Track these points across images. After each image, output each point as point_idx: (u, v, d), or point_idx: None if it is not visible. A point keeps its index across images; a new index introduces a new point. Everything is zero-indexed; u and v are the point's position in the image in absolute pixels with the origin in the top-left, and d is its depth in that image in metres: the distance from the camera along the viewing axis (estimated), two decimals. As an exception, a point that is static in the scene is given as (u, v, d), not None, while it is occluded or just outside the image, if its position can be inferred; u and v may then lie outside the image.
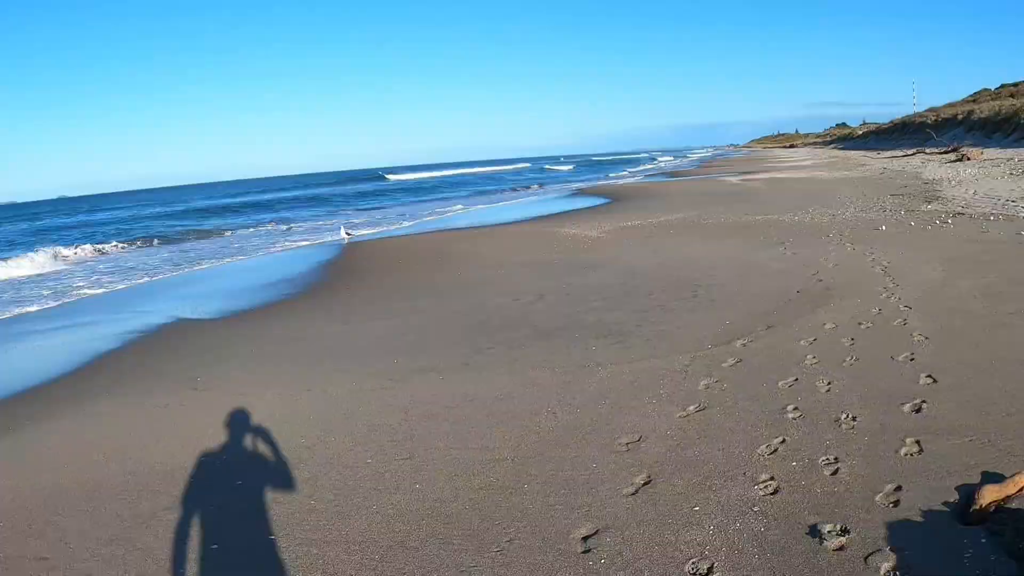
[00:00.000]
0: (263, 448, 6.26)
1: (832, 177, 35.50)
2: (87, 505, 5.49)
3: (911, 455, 5.10)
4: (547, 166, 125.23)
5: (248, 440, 6.47)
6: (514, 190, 56.02)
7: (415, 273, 15.24)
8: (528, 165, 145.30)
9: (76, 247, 28.47)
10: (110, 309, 14.74)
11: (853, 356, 7.32)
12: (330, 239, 25.38)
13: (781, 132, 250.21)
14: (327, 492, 5.30)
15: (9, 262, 24.59)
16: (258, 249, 24.96)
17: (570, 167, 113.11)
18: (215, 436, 6.62)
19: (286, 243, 25.97)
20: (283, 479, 5.59)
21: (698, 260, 13.68)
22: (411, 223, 30.67)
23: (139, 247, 30.04)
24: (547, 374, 7.58)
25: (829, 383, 6.60)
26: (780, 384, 6.68)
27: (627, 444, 5.65)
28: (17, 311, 15.49)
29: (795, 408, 6.07)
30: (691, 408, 6.25)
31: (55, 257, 25.74)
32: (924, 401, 5.99)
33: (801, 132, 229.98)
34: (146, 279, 19.22)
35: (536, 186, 60.50)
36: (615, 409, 6.39)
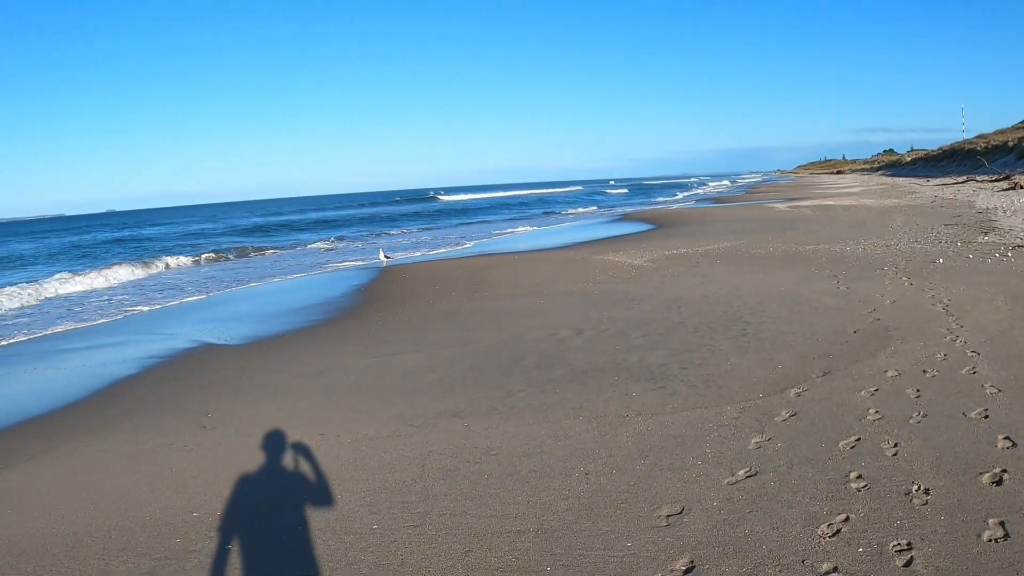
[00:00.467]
0: (261, 505, 5.56)
1: (882, 205, 34.34)
2: (63, 564, 4.88)
3: (995, 541, 4.29)
4: (604, 189, 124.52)
5: (246, 495, 5.77)
6: (564, 213, 55.39)
7: (451, 300, 14.56)
8: (581, 188, 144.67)
9: (125, 264, 28.04)
10: (141, 329, 14.29)
11: (920, 411, 6.48)
12: (369, 261, 24.88)
13: (828, 158, 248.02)
14: (324, 565, 4.58)
15: (60, 277, 24.29)
16: (299, 269, 24.54)
17: (624, 190, 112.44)
18: (212, 486, 5.96)
19: (327, 264, 25.53)
20: (278, 548, 4.89)
21: (746, 293, 12.83)
22: (453, 247, 30.08)
23: (188, 265, 29.66)
24: (581, 424, 6.80)
25: (896, 445, 5.77)
26: (840, 445, 5.86)
27: (667, 517, 4.88)
28: (62, 328, 15.09)
29: (859, 476, 5.25)
30: (741, 473, 5.45)
31: (109, 273, 25.32)
32: (1004, 471, 5.17)
33: (848, 158, 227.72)
34: (185, 299, 18.77)
35: (593, 208, 60.10)
36: (655, 470, 5.61)
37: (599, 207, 61.36)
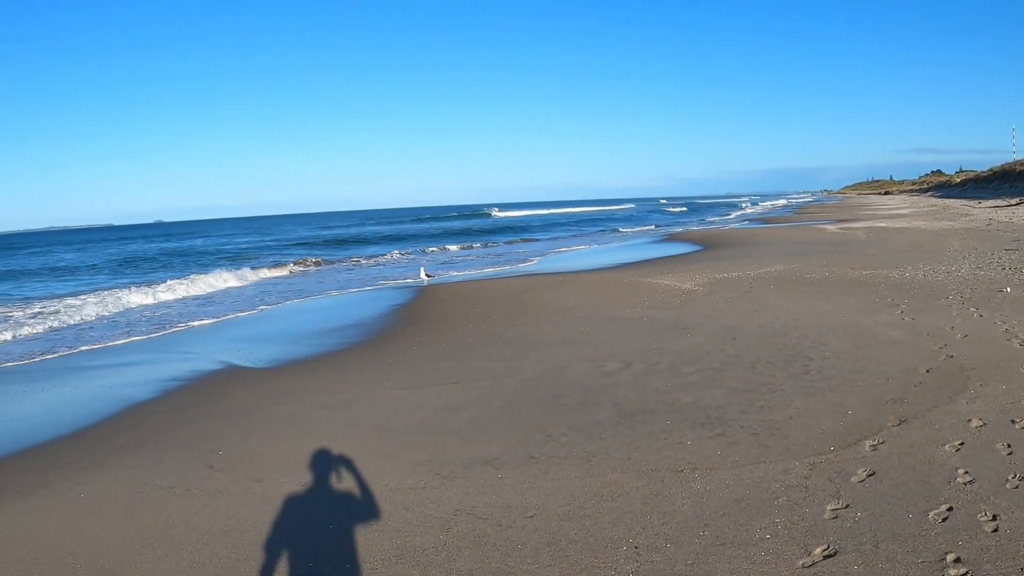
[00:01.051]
0: (258, 574, 4.78)
1: (936, 228, 32.97)
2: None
3: None
4: (663, 208, 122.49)
5: (243, 560, 4.92)
6: (620, 231, 54.42)
7: (492, 324, 13.69)
8: (633, 206, 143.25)
9: (193, 277, 27.13)
10: (174, 347, 13.66)
11: (1016, 474, 5.53)
12: (411, 280, 24.08)
13: (875, 178, 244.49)
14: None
15: (115, 291, 23.86)
16: (338, 286, 23.76)
17: (683, 208, 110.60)
18: (209, 545, 5.15)
19: (368, 282, 24.68)
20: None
21: (805, 323, 11.86)
22: (499, 266, 29.20)
23: (253, 280, 28.31)
24: (630, 480, 5.88)
25: (994, 517, 4.84)
26: (931, 516, 4.93)
27: (735, 613, 4.03)
28: (100, 344, 14.58)
29: (956, 559, 4.34)
30: (817, 551, 4.54)
31: (163, 287, 24.57)
32: None
33: (895, 178, 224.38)
34: (227, 315, 18.13)
35: (651, 226, 59.24)
36: (715, 545, 4.70)
37: (657, 226, 60.35)
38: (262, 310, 18.63)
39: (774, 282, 16.91)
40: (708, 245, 30.95)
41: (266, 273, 30.58)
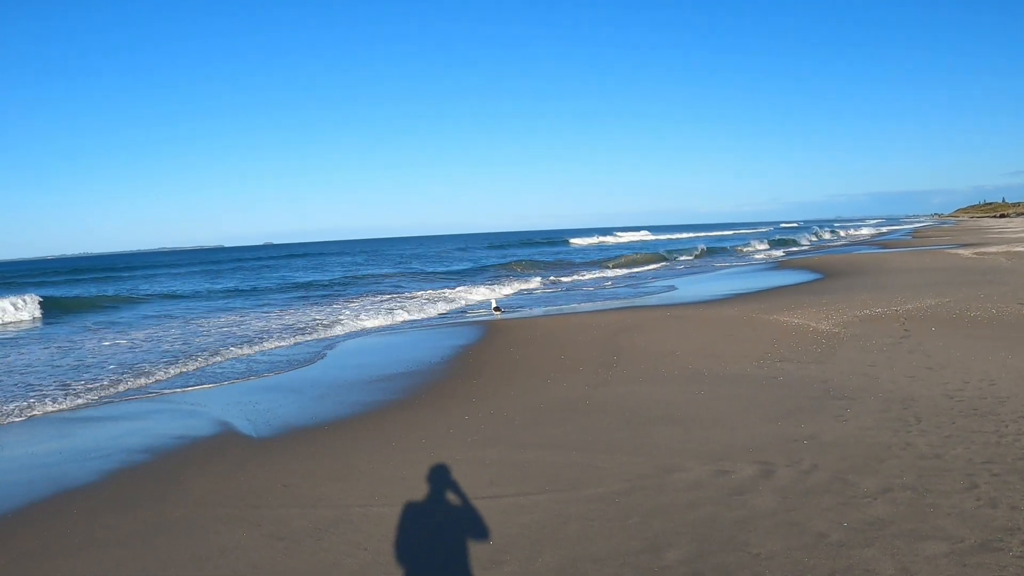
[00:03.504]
0: None
1: (1086, 252, 27.90)
2: None
3: None
4: (796, 230, 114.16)
5: None
6: (743, 251, 49.77)
7: (574, 379, 10.09)
8: (770, 229, 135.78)
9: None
10: (191, 400, 10.65)
11: None
12: (477, 316, 19.53)
13: (986, 201, 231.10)
14: None
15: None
16: (400, 323, 20.15)
17: (828, 233, 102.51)
18: None
19: (441, 317, 20.32)
20: None
21: (1008, 390, 7.95)
22: (587, 301, 25.39)
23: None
24: None
25: None
26: None
27: None
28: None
29: None
30: None
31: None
32: None
33: (1008, 200, 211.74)
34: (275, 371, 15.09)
35: (796, 248, 54.46)
36: None
37: (787, 250, 55.49)
38: (310, 360, 15.44)
39: (933, 322, 12.78)
40: (828, 273, 26.42)
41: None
